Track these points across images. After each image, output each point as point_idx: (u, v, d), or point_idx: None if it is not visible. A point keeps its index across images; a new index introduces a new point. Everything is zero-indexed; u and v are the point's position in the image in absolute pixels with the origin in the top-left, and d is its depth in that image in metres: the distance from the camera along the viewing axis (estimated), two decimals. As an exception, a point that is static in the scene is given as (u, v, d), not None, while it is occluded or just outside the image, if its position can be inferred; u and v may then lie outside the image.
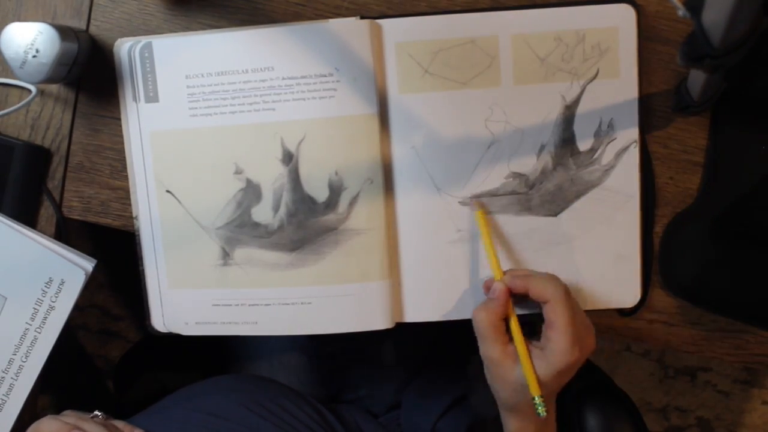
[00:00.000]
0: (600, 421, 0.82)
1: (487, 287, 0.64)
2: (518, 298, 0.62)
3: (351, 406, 0.84)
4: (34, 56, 0.60)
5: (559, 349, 0.57)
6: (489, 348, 0.60)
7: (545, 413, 0.58)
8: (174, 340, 0.71)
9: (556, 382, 0.59)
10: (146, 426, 0.67)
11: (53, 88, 0.67)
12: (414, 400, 0.84)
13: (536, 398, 0.58)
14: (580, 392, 0.87)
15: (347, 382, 0.89)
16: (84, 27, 0.66)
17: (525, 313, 0.64)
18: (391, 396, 0.86)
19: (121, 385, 0.95)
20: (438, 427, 0.81)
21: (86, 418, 0.62)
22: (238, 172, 0.66)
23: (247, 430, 0.68)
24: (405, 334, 0.68)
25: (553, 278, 0.60)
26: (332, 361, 0.89)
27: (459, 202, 0.66)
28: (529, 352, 0.59)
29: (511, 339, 0.60)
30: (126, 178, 0.68)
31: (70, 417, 0.61)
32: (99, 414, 0.64)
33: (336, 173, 0.65)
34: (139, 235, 0.68)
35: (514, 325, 0.60)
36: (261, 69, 0.64)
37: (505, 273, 0.63)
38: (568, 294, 0.59)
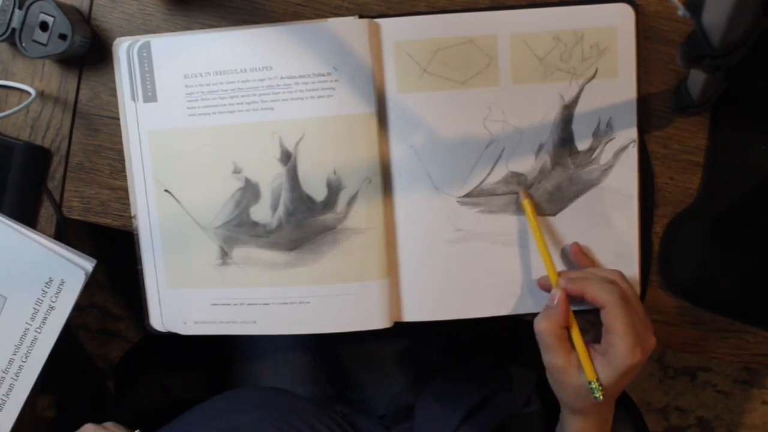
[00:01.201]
0: None
1: (542, 286, 0.65)
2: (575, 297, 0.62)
3: (365, 415, 0.84)
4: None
5: (620, 353, 0.57)
6: (552, 357, 0.60)
7: (602, 396, 0.57)
8: (174, 339, 0.71)
9: (620, 384, 0.59)
10: None
11: (53, 88, 0.67)
12: (428, 411, 0.83)
13: (592, 383, 0.58)
14: None
15: (352, 381, 0.89)
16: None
17: (583, 309, 0.64)
18: (398, 397, 0.86)
19: (121, 385, 0.95)
20: None
21: None
22: (237, 171, 0.66)
23: None
24: (410, 334, 0.68)
25: (609, 283, 0.60)
26: (337, 360, 0.89)
27: (457, 202, 0.66)
28: (591, 357, 0.59)
29: (572, 345, 0.61)
30: (126, 178, 0.68)
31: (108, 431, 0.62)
32: None
33: (334, 172, 0.65)
34: (137, 235, 0.68)
35: (576, 335, 0.60)
36: (259, 68, 0.64)
37: (559, 275, 0.63)
38: (624, 297, 0.59)
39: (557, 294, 0.61)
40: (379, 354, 0.87)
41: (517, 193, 0.66)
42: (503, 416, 0.85)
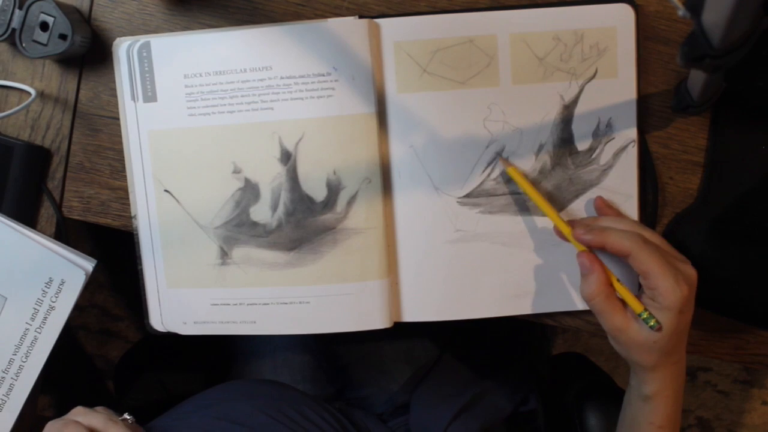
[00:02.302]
0: (601, 421, 0.82)
1: (559, 235, 0.63)
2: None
3: (361, 410, 0.84)
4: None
5: (665, 292, 0.56)
6: (610, 319, 0.59)
7: (658, 324, 0.56)
8: (175, 339, 0.71)
9: (680, 323, 0.58)
10: None
11: (53, 88, 0.67)
12: (423, 406, 0.84)
13: (642, 314, 0.57)
14: (580, 392, 0.87)
15: (351, 380, 0.89)
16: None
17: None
18: (396, 396, 0.86)
19: (121, 385, 0.95)
20: (449, 431, 0.81)
21: (116, 419, 0.62)
22: (237, 171, 0.66)
23: None
24: (409, 332, 0.68)
25: (627, 226, 0.59)
26: (336, 359, 0.89)
27: (457, 202, 0.66)
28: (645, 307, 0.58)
29: (623, 303, 0.60)
30: (126, 178, 0.68)
31: (100, 415, 0.61)
32: (129, 417, 0.64)
33: (334, 172, 0.65)
34: (137, 235, 0.68)
35: (617, 284, 0.59)
36: (259, 68, 0.64)
37: (572, 225, 0.61)
38: (647, 240, 0.58)
39: (585, 259, 0.60)
40: (378, 353, 0.88)
41: (517, 193, 0.66)
42: (496, 414, 0.85)
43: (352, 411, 0.82)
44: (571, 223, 0.62)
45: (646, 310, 0.57)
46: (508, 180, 0.66)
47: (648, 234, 0.60)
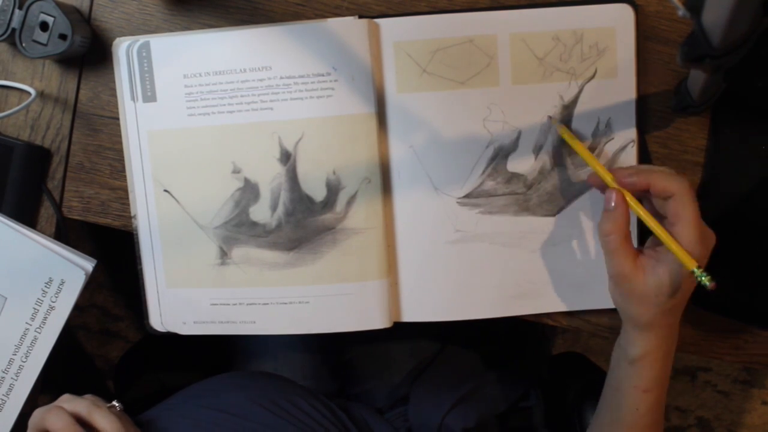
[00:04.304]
0: None
1: (594, 183, 0.62)
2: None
3: (358, 403, 0.84)
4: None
5: (688, 243, 0.55)
6: (620, 263, 0.58)
7: (712, 282, 0.54)
8: (174, 339, 0.71)
9: (690, 285, 0.57)
10: (157, 424, 0.67)
11: (53, 88, 0.67)
12: (422, 395, 0.84)
13: (695, 270, 0.54)
14: (580, 391, 0.87)
15: (353, 375, 0.89)
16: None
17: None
18: (397, 389, 0.86)
19: (121, 384, 0.96)
20: (446, 422, 0.81)
21: (102, 405, 0.62)
22: (236, 171, 0.66)
23: (261, 427, 0.68)
24: (415, 328, 0.68)
25: (673, 171, 0.58)
26: (337, 356, 0.89)
27: (457, 203, 0.66)
28: (656, 259, 0.57)
29: (638, 250, 0.59)
30: (126, 178, 0.68)
31: (85, 401, 0.61)
32: (117, 405, 0.64)
33: (334, 172, 0.65)
34: (137, 235, 0.68)
35: (665, 235, 0.56)
36: (259, 68, 0.64)
37: (612, 172, 0.60)
38: (691, 186, 0.56)
39: (613, 194, 0.58)
40: (380, 348, 0.88)
41: (516, 193, 0.66)
42: (495, 406, 0.85)
43: (350, 404, 0.82)
44: (613, 170, 0.60)
45: (699, 267, 0.54)
46: (507, 180, 0.66)
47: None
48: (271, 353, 0.90)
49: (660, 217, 0.58)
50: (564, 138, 0.64)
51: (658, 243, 0.58)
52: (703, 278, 0.54)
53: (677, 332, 0.61)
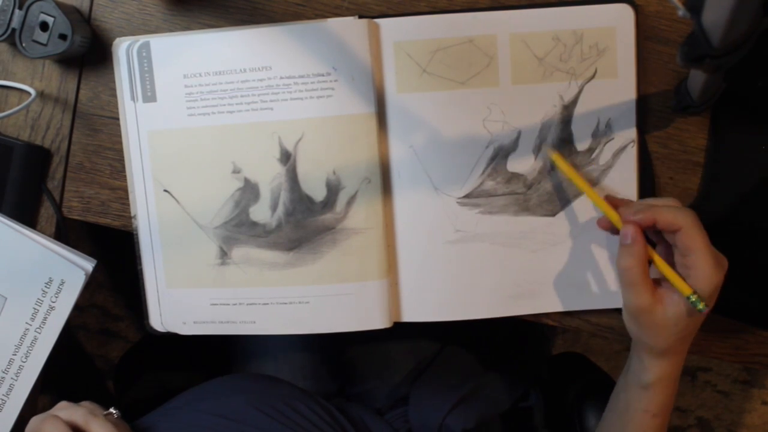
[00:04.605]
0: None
1: (604, 227, 0.63)
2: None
3: (358, 404, 0.84)
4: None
5: (704, 273, 0.55)
6: (640, 296, 0.58)
7: (706, 307, 0.55)
8: (174, 339, 0.71)
9: (707, 313, 0.57)
10: (155, 430, 0.67)
11: (53, 88, 0.67)
12: (422, 396, 0.84)
13: (691, 296, 0.55)
14: (580, 392, 0.87)
15: (353, 375, 0.89)
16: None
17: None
18: (397, 389, 0.86)
19: (121, 385, 0.95)
20: (446, 422, 0.81)
21: (99, 414, 0.62)
22: (236, 171, 0.66)
23: None
24: (415, 328, 0.68)
25: (678, 204, 0.59)
26: (336, 356, 0.89)
27: (457, 203, 0.66)
28: (663, 288, 0.58)
29: (654, 281, 0.59)
30: (126, 178, 0.68)
31: (82, 410, 0.61)
32: (114, 412, 0.64)
33: (334, 173, 0.65)
34: (137, 235, 0.68)
35: (662, 264, 0.58)
36: (259, 68, 0.64)
37: (618, 211, 0.60)
38: (696, 217, 0.57)
39: (630, 230, 0.58)
40: (380, 348, 0.88)
41: (516, 193, 0.66)
42: (495, 407, 0.85)
43: (349, 405, 0.82)
44: (619, 210, 0.61)
45: (695, 292, 0.55)
46: (507, 180, 0.66)
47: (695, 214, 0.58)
48: (271, 353, 0.90)
49: (669, 247, 0.59)
50: (560, 167, 0.64)
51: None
52: (698, 305, 0.55)
53: (684, 358, 0.62)
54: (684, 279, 0.57)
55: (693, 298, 0.55)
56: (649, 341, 0.60)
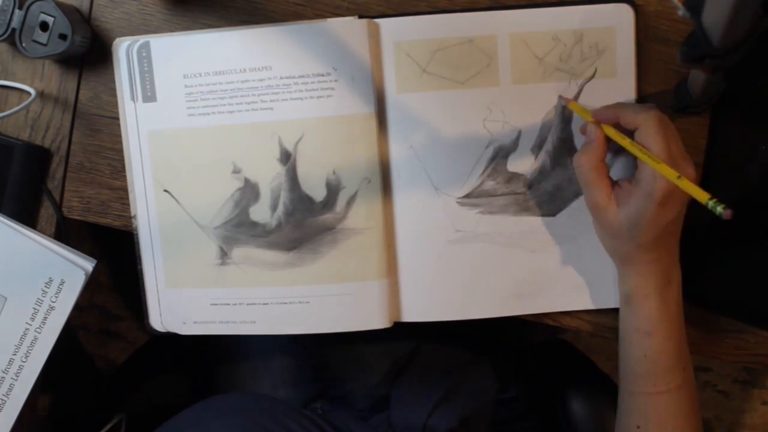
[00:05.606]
0: (584, 407, 0.81)
1: (583, 132, 0.63)
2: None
3: (342, 411, 0.84)
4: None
5: (647, 176, 0.55)
6: (594, 194, 0.60)
7: (727, 210, 0.47)
8: (157, 347, 0.70)
9: (660, 216, 0.56)
10: None
11: (53, 88, 0.67)
12: (403, 398, 0.83)
13: (708, 201, 0.49)
14: (563, 378, 0.87)
15: (332, 379, 0.88)
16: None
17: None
18: (376, 389, 0.86)
19: (111, 400, 0.94)
20: (430, 423, 0.80)
21: None
22: (236, 171, 0.66)
23: None
24: (381, 329, 0.68)
25: (646, 106, 0.58)
26: (316, 359, 0.89)
27: (457, 202, 0.66)
28: (627, 193, 0.57)
29: (612, 183, 0.60)
30: (126, 178, 0.68)
31: None
32: None
33: (334, 172, 0.65)
34: (137, 235, 0.68)
35: (661, 165, 0.53)
36: (259, 68, 0.64)
37: (592, 114, 0.61)
38: (663, 120, 0.56)
39: (592, 127, 0.59)
40: (356, 350, 0.87)
41: (516, 193, 0.66)
42: (477, 402, 0.85)
43: (333, 413, 0.82)
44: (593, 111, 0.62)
45: (712, 198, 0.49)
46: (507, 180, 0.66)
47: (665, 119, 0.57)
48: (253, 357, 0.89)
49: None
50: (575, 109, 0.63)
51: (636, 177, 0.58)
52: (716, 209, 0.48)
53: (672, 273, 0.61)
54: (637, 180, 0.56)
55: (710, 204, 0.49)
56: (609, 245, 0.61)
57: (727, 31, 0.45)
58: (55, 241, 0.67)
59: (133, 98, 0.66)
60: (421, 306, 0.68)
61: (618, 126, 0.59)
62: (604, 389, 0.82)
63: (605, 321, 0.69)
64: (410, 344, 0.86)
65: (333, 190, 0.65)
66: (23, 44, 0.63)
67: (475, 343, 0.89)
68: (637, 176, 0.57)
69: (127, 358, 1.01)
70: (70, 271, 0.66)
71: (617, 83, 0.64)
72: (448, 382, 0.83)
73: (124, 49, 0.66)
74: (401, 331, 0.85)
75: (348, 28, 0.63)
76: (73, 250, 0.67)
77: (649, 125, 0.56)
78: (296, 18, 0.65)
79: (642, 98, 0.65)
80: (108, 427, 0.62)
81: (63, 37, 0.62)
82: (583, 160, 0.60)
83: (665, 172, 0.53)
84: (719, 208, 0.48)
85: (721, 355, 0.69)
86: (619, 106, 0.60)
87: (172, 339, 0.71)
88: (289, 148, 0.65)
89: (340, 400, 0.87)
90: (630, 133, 0.58)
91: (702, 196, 0.50)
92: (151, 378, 0.92)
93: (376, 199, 0.65)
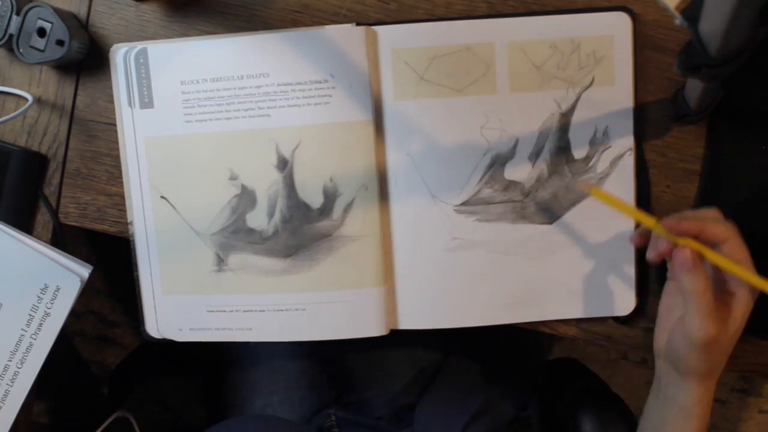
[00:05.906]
0: (595, 426, 0.81)
1: (638, 243, 0.61)
2: None
3: (358, 425, 0.83)
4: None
5: (750, 290, 0.55)
6: (713, 326, 0.54)
7: None
8: (171, 346, 0.71)
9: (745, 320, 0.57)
10: None
11: (50, 94, 0.67)
12: (430, 414, 0.83)
13: None
14: (575, 397, 0.87)
15: (353, 383, 0.88)
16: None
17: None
18: (398, 397, 0.85)
19: (117, 393, 0.95)
20: None
21: None
22: (233, 178, 0.66)
23: None
24: (413, 335, 0.68)
25: (716, 214, 0.58)
26: (334, 364, 0.89)
27: (454, 210, 0.66)
28: (718, 307, 0.55)
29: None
30: (122, 184, 0.68)
31: None
32: None
33: (331, 180, 0.65)
34: (133, 241, 0.68)
35: (717, 258, 0.54)
36: (256, 75, 0.64)
37: (661, 223, 0.57)
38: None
39: (686, 253, 0.54)
40: (378, 356, 0.87)
41: (513, 201, 0.66)
42: (504, 420, 0.85)
43: (350, 423, 0.81)
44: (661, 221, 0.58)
45: None
46: (505, 188, 0.66)
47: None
48: (267, 362, 0.89)
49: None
50: (600, 198, 0.61)
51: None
52: None
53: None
54: (733, 292, 0.56)
55: None
56: (700, 366, 0.57)
57: (724, 41, 0.46)
58: (52, 248, 0.67)
59: (130, 104, 0.66)
60: (418, 313, 0.68)
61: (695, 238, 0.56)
62: (616, 410, 0.82)
63: (602, 329, 0.69)
64: (437, 354, 0.86)
65: (330, 197, 0.65)
66: (20, 50, 0.63)
67: (498, 357, 0.89)
68: (731, 290, 0.57)
69: (136, 347, 1.01)
70: (66, 277, 0.66)
71: (615, 91, 0.64)
72: (475, 398, 0.82)
73: (121, 55, 0.66)
74: (426, 340, 0.85)
75: (346, 35, 0.63)
76: (70, 256, 0.67)
77: (737, 238, 0.55)
78: (294, 25, 0.65)
79: (639, 106, 0.65)
80: (109, 421, 0.62)
81: (60, 43, 0.62)
82: (703, 288, 0.54)
83: (760, 285, 0.54)
84: None
85: (718, 364, 0.69)
86: (699, 220, 0.56)
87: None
88: (287, 155, 0.65)
89: (355, 407, 0.87)
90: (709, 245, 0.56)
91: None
92: (159, 377, 0.92)
93: (373, 207, 0.65)
